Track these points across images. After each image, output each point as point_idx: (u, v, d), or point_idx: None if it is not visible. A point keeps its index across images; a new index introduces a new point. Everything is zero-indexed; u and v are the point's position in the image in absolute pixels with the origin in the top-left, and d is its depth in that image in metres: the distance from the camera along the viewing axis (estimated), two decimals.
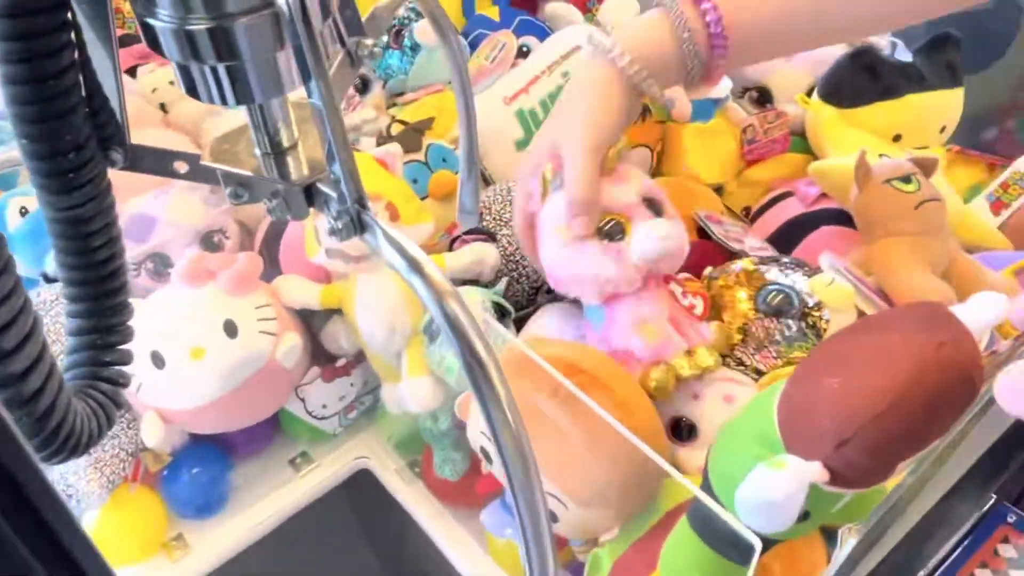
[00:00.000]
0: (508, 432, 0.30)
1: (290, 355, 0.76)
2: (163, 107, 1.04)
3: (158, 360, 0.72)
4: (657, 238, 0.62)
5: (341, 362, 0.82)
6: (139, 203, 0.84)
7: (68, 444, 0.29)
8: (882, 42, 0.94)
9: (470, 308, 0.29)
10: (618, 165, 0.67)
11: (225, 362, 0.73)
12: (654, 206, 0.66)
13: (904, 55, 0.93)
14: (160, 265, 0.81)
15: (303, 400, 0.82)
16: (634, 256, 0.63)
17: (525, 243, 0.70)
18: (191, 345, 0.72)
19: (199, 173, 0.36)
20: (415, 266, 0.29)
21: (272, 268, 0.81)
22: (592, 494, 0.59)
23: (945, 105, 0.89)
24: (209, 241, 0.85)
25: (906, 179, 0.71)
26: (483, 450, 0.65)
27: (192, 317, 0.73)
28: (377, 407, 0.87)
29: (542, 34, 0.97)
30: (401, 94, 0.99)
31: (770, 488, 0.44)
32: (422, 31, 0.95)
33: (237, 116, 0.76)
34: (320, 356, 0.83)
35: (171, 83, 1.05)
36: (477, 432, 0.65)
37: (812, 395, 0.45)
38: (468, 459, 0.79)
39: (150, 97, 1.04)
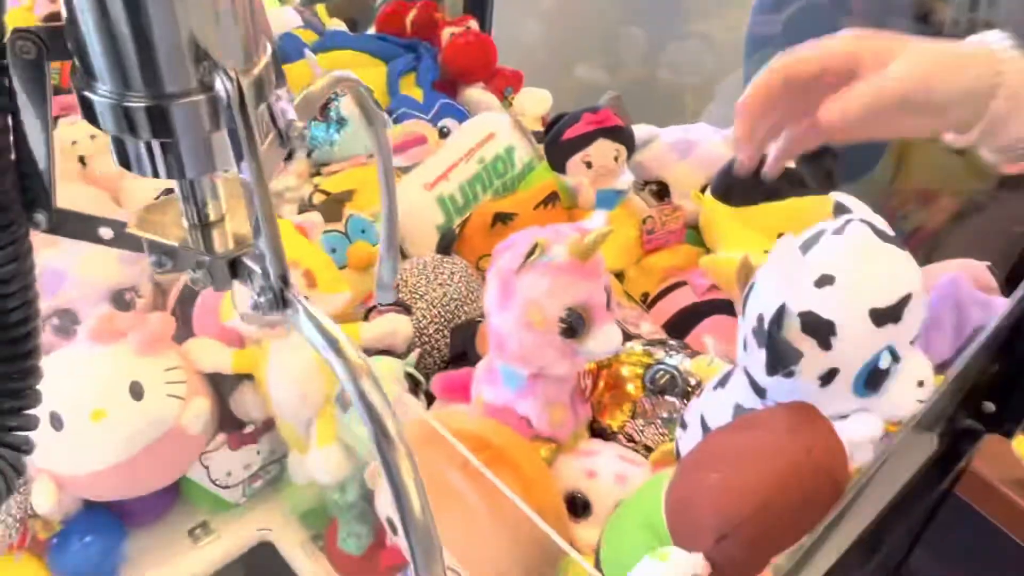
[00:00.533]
0: (413, 515, 0.31)
1: (197, 420, 0.75)
2: (82, 160, 1.02)
3: (56, 421, 0.69)
4: (614, 346, 0.66)
5: (249, 429, 0.81)
6: (49, 256, 0.82)
7: None
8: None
9: (383, 378, 0.31)
10: (596, 253, 0.67)
11: (128, 425, 0.71)
12: (608, 301, 0.68)
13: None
14: (66, 321, 0.79)
15: (207, 467, 0.80)
16: (587, 354, 0.66)
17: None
18: (92, 407, 0.70)
19: (124, 240, 0.36)
20: (332, 344, 0.30)
21: (185, 330, 0.80)
22: (494, 573, 0.59)
23: (823, 208, 0.97)
24: (120, 299, 0.83)
25: None
26: (389, 520, 0.65)
27: (96, 377, 0.71)
28: (283, 477, 0.85)
29: (461, 117, 1.02)
30: (326, 164, 1.01)
31: None
32: (350, 106, 0.98)
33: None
34: (227, 422, 0.81)
35: (92, 137, 1.04)
36: (385, 502, 0.65)
37: (695, 489, 0.48)
38: (373, 533, 0.78)
39: (69, 150, 1.02)
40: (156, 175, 0.32)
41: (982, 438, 0.93)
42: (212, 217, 0.36)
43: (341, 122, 0.98)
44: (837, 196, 0.70)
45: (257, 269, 0.34)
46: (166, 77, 0.29)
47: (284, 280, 0.32)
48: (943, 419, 0.93)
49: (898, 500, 0.84)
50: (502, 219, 0.87)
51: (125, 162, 0.32)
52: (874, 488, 0.84)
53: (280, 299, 0.32)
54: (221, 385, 0.81)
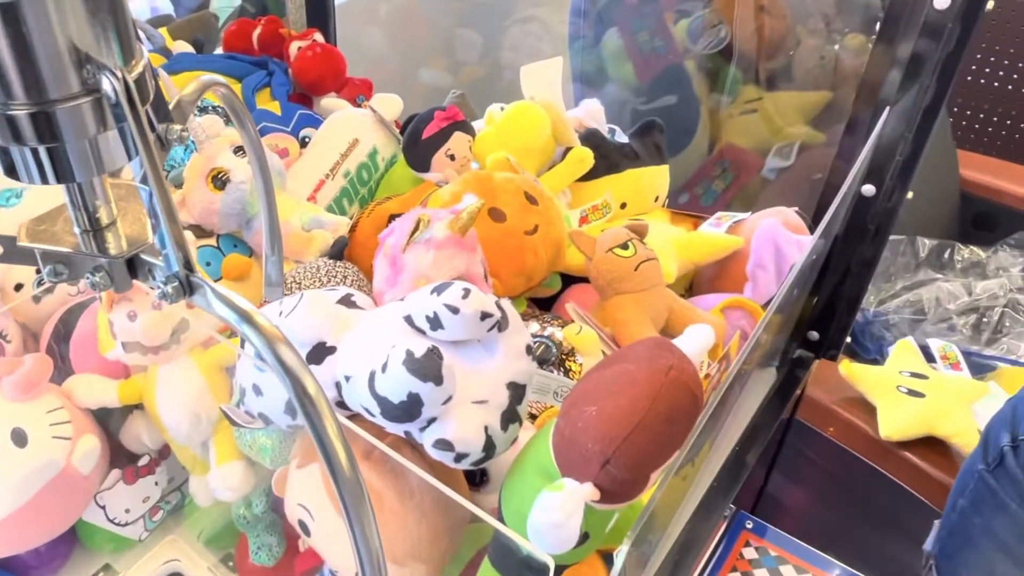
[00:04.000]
0: (341, 467, 0.34)
1: (88, 459, 0.73)
2: None
3: None
4: None
5: (144, 461, 0.80)
6: None
7: None
8: (603, 128, 1.09)
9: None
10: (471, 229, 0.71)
11: (14, 474, 0.69)
12: (485, 274, 0.73)
13: (621, 138, 1.09)
14: None
15: (103, 507, 0.78)
16: None
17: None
18: None
19: (15, 255, 0.37)
20: (246, 317, 0.32)
21: (63, 368, 0.78)
22: (406, 550, 0.62)
23: (656, 178, 1.07)
24: None
25: (624, 246, 0.83)
26: (301, 522, 0.66)
27: None
28: (185, 504, 0.84)
29: (320, 126, 1.03)
30: (181, 185, 1.00)
31: (555, 509, 0.50)
32: (210, 122, 0.97)
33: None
34: (120, 457, 0.79)
35: None
36: (295, 504, 0.66)
37: (576, 423, 0.53)
38: (284, 541, 0.79)
39: None
40: (45, 181, 0.33)
41: (813, 364, 1.05)
42: (104, 221, 0.37)
43: (189, 146, 0.98)
44: None
45: (158, 262, 0.35)
46: (49, 84, 0.31)
47: (188, 266, 0.34)
48: (778, 352, 1.03)
49: (751, 430, 0.93)
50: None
51: (11, 171, 0.33)
52: (730, 421, 0.93)
53: (187, 285, 0.34)
54: (108, 420, 0.79)
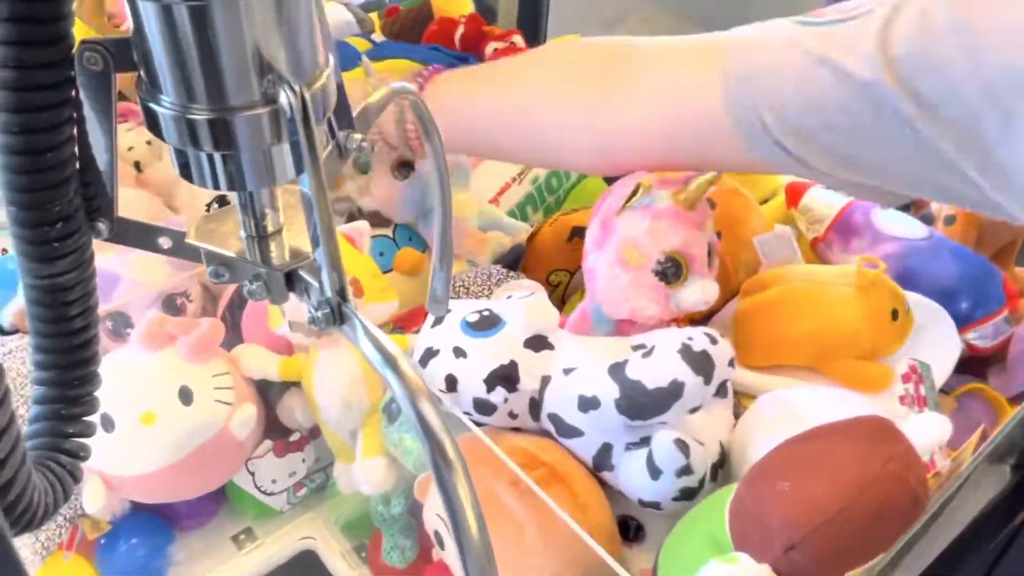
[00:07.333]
0: (471, 539, 0.30)
1: (244, 426, 0.75)
2: (137, 165, 1.04)
3: (107, 423, 0.70)
4: (705, 302, 0.66)
5: (295, 437, 0.81)
6: (102, 259, 0.83)
7: (23, 518, 0.29)
8: None
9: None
10: (701, 203, 0.68)
11: (177, 429, 0.72)
12: (711, 256, 0.68)
13: None
14: (120, 325, 0.80)
15: (253, 474, 0.81)
16: (678, 304, 0.66)
17: None
18: (143, 409, 0.71)
19: (183, 250, 0.36)
20: (391, 362, 0.30)
21: (233, 335, 0.81)
22: None
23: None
24: (171, 303, 0.84)
25: None
26: (437, 534, 0.65)
27: (146, 381, 0.72)
28: (327, 486, 0.86)
29: None
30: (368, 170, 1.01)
31: None
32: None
33: None
34: (274, 430, 0.81)
35: (148, 143, 1.05)
36: (433, 514, 0.64)
37: (763, 497, 0.47)
38: (417, 546, 0.78)
39: (125, 155, 1.04)
40: (217, 187, 0.32)
41: None
42: (270, 229, 0.36)
43: None
44: None
45: (314, 283, 0.34)
46: (230, 90, 0.29)
47: (342, 295, 0.32)
48: (1016, 450, 0.89)
49: (969, 533, 0.81)
50: (580, 233, 0.86)
51: (187, 173, 0.32)
52: (945, 519, 0.81)
53: (338, 314, 0.32)
54: (268, 392, 0.81)
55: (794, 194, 0.89)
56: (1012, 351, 0.78)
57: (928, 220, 0.89)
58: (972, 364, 0.80)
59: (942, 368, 0.72)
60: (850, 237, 0.84)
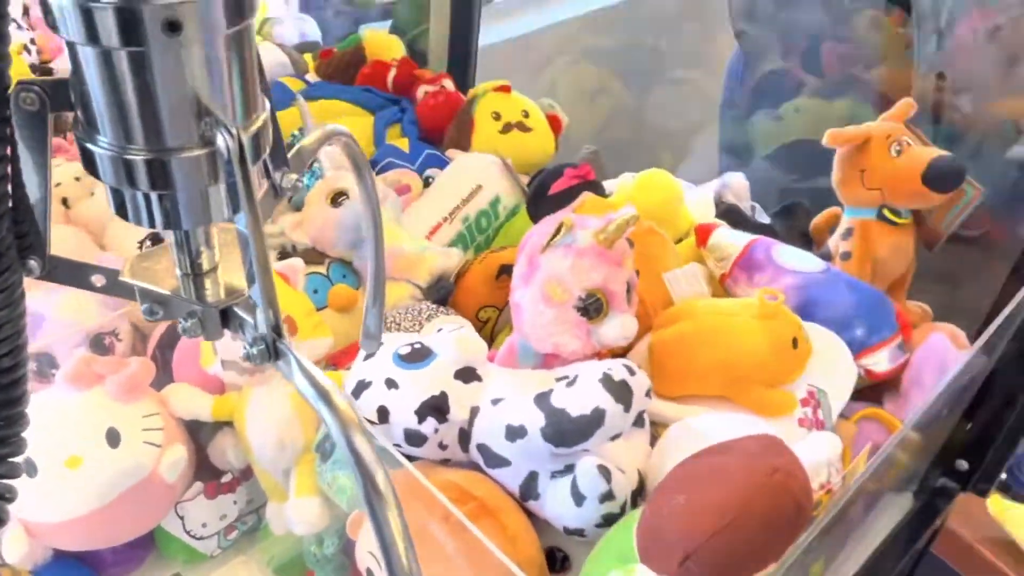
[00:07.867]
0: (401, 568, 0.31)
1: (174, 468, 0.74)
2: (65, 202, 1.02)
3: (30, 467, 0.68)
4: (624, 337, 0.68)
5: (226, 478, 0.80)
6: (29, 298, 0.81)
7: None
8: (745, 204, 1.04)
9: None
10: (620, 241, 0.70)
11: (103, 473, 0.70)
12: (630, 292, 0.70)
13: (763, 217, 1.04)
14: (45, 365, 0.78)
15: (182, 518, 0.79)
16: (599, 339, 0.68)
17: None
18: (68, 453, 0.69)
19: (116, 288, 0.36)
20: (324, 395, 0.31)
21: (164, 375, 0.79)
22: None
23: None
24: (99, 343, 0.82)
25: None
26: (369, 571, 0.64)
27: (72, 423, 0.70)
28: (260, 528, 0.84)
29: (444, 167, 1.03)
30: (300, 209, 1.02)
31: None
32: (338, 153, 0.99)
33: None
34: (205, 471, 0.80)
35: (77, 179, 1.04)
36: (365, 552, 0.64)
37: (661, 511, 0.49)
38: None
39: (53, 191, 1.02)
40: (153, 225, 0.33)
41: (956, 497, 0.94)
42: (205, 267, 0.36)
43: (316, 171, 1.00)
44: None
45: (249, 319, 0.34)
46: (168, 132, 0.30)
47: (277, 331, 0.32)
48: (918, 478, 0.94)
49: (876, 558, 0.84)
50: (508, 271, 0.88)
51: (122, 211, 0.33)
52: (852, 546, 0.84)
53: (273, 350, 0.33)
54: (199, 432, 0.80)
55: (703, 233, 0.92)
56: (905, 378, 0.83)
57: (826, 256, 0.93)
58: (869, 392, 0.84)
59: (840, 392, 0.75)
60: (753, 272, 0.88)
